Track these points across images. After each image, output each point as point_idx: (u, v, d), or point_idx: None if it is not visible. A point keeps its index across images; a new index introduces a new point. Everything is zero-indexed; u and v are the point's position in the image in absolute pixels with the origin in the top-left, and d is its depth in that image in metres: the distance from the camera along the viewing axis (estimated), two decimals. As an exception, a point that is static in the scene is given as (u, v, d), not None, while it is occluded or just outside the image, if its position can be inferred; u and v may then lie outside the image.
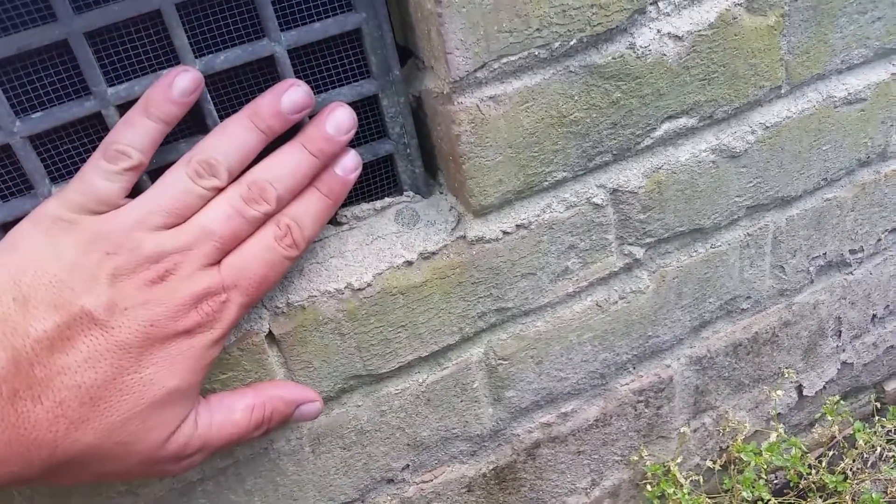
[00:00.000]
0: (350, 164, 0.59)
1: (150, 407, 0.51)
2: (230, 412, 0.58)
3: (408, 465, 0.78)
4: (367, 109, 0.64)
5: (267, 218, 0.55)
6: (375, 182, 0.68)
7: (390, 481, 0.79)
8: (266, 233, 0.55)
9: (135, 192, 0.54)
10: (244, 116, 0.54)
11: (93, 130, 0.57)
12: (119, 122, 0.53)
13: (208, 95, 0.57)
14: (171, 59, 0.56)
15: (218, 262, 0.54)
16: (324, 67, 0.61)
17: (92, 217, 0.51)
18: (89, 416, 0.49)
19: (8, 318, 0.47)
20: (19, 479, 0.48)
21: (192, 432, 0.55)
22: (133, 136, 0.52)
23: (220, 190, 0.54)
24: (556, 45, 0.60)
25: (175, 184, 0.53)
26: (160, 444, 0.53)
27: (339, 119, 0.57)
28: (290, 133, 0.57)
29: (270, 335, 0.64)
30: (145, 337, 0.50)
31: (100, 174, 0.51)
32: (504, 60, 0.59)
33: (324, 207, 0.58)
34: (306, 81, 0.61)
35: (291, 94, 0.55)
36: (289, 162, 0.56)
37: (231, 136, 0.54)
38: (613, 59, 0.63)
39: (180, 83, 0.52)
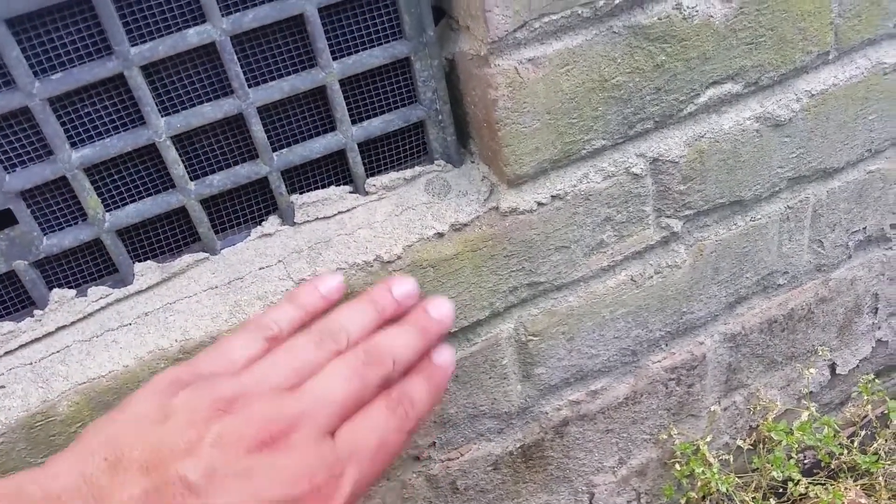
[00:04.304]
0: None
1: None
2: None
3: (434, 443, 0.77)
4: (397, 73, 0.62)
5: (382, 388, 0.51)
6: (404, 150, 0.66)
7: (416, 459, 0.77)
8: (380, 405, 0.50)
9: None
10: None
11: (115, 93, 0.54)
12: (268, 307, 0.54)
13: (235, 56, 0.55)
14: (198, 16, 0.53)
15: (333, 433, 0.48)
16: (354, 27, 0.58)
17: (210, 379, 0.47)
18: None
19: (94, 481, 0.42)
20: None
21: None
22: (279, 315, 0.52)
23: (338, 354, 0.51)
24: (601, 3, 0.57)
25: (297, 346, 0.50)
26: None
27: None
28: None
29: (297, 308, 0.62)
30: None
31: (241, 341, 0.50)
32: (545, 19, 0.56)
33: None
34: (337, 41, 0.58)
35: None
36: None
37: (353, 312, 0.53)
38: (659, 19, 0.60)
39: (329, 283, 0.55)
